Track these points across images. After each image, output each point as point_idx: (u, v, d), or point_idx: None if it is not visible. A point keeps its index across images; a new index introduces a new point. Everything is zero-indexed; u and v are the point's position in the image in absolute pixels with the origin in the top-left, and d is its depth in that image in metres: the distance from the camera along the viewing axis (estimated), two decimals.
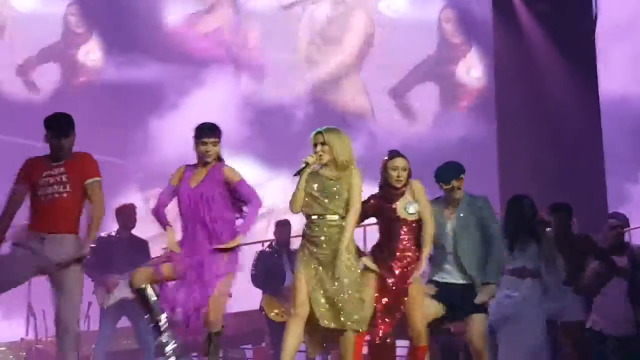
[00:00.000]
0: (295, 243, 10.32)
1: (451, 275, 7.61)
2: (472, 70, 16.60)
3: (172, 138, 14.29)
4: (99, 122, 14.21)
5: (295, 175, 7.04)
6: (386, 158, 7.36)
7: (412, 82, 16.50)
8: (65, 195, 6.92)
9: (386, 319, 7.28)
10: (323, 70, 16.53)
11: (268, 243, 10.93)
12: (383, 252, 7.33)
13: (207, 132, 7.16)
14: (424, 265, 7.32)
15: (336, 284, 6.87)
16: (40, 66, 15.81)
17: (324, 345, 7.16)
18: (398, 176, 7.27)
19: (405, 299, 7.21)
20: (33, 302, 11.34)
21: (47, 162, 7.02)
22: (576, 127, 14.08)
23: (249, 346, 11.91)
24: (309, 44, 16.46)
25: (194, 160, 7.28)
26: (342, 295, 6.87)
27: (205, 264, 7.00)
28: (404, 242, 7.28)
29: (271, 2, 16.50)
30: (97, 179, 7.00)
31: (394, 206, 7.28)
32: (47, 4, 15.88)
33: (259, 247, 11.08)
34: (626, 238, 10.20)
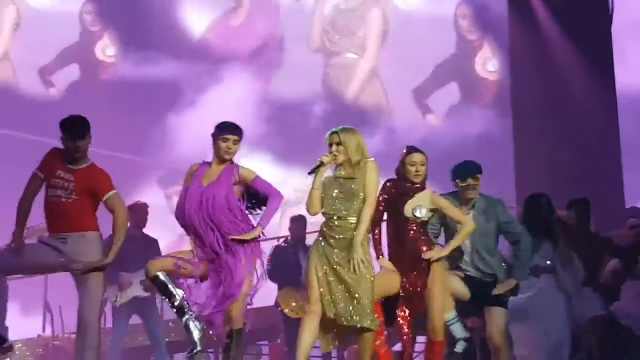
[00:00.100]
0: (311, 238, 10.37)
1: (472, 272, 7.62)
2: (489, 65, 16.55)
3: (190, 135, 14.31)
4: (117, 120, 14.23)
5: (310, 173, 7.01)
6: (404, 153, 7.34)
7: (431, 80, 16.46)
8: (70, 201, 6.99)
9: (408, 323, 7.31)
10: (339, 66, 16.51)
11: (283, 239, 10.95)
12: (396, 255, 7.29)
13: (230, 129, 7.13)
14: (446, 251, 7.30)
15: (351, 281, 6.85)
16: (59, 65, 15.85)
17: (336, 340, 7.14)
18: (417, 171, 7.25)
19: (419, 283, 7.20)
20: (50, 298, 11.38)
21: (63, 162, 7.07)
22: (593, 122, 14.01)
23: (265, 342, 11.92)
24: (324, 40, 16.44)
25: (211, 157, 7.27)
26: (357, 292, 6.86)
27: (226, 268, 6.99)
28: (415, 241, 7.25)
29: None
30: (114, 191, 7.07)
31: (403, 202, 7.23)
32: (63, 2, 15.91)
33: (273, 244, 11.08)
34: None
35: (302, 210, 10.16)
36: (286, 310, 10.39)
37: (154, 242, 10.29)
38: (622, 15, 14.90)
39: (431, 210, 7.23)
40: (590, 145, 13.87)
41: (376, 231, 7.24)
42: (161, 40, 15.84)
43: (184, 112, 15.33)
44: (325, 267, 6.92)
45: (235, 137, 7.12)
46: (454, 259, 7.59)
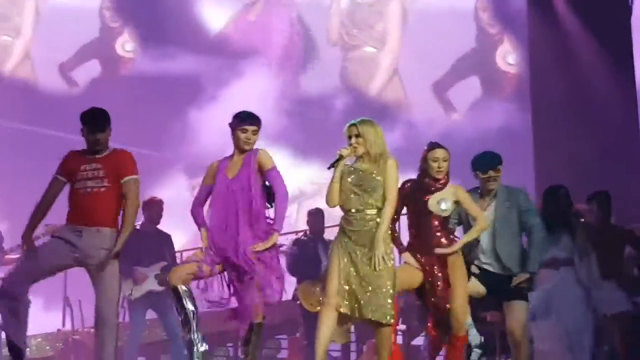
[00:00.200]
0: (329, 232, 10.37)
1: (490, 267, 7.59)
2: (509, 59, 16.50)
3: (210, 130, 14.33)
4: (137, 115, 14.29)
5: (329, 167, 6.98)
6: (426, 149, 7.31)
7: (452, 73, 16.42)
8: (103, 189, 6.95)
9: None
10: (358, 60, 16.49)
11: (302, 232, 10.94)
12: (418, 249, 7.28)
13: (248, 119, 7.08)
14: (458, 246, 7.25)
15: (372, 276, 6.84)
16: (79, 61, 15.90)
17: (348, 334, 7.13)
18: (439, 167, 7.21)
19: (439, 277, 7.19)
20: (69, 293, 11.40)
21: (85, 156, 7.05)
22: (613, 116, 13.96)
23: (284, 336, 11.92)
24: (342, 34, 16.43)
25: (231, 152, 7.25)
26: (376, 287, 6.85)
27: (252, 264, 6.99)
28: (437, 236, 7.24)
29: None
30: (134, 177, 7.00)
31: (426, 198, 7.22)
32: None
33: (292, 237, 11.09)
34: None
35: (319, 203, 10.18)
36: (305, 304, 10.36)
37: (167, 237, 10.32)
38: None
39: (455, 202, 7.22)
40: (609, 139, 13.82)
41: (395, 227, 7.22)
42: (180, 35, 15.88)
43: (205, 106, 15.36)
44: (346, 260, 6.90)
45: (254, 128, 7.07)
46: (470, 250, 7.57)
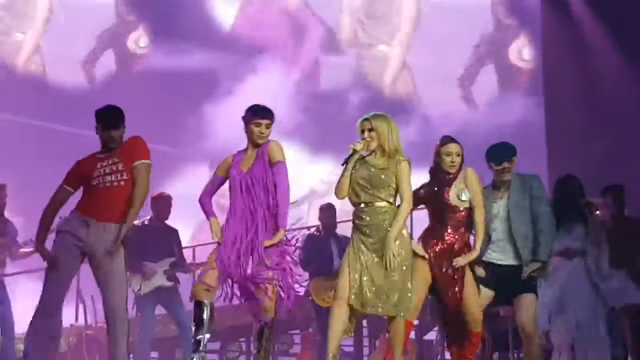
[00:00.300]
0: (341, 227, 10.37)
1: (503, 257, 7.60)
2: (525, 53, 16.44)
3: (228, 124, 14.32)
4: (151, 111, 14.30)
5: (343, 164, 6.99)
6: (439, 143, 7.32)
7: (466, 68, 16.38)
8: (122, 184, 6.92)
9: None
10: (373, 55, 16.46)
11: (314, 228, 10.94)
12: (433, 236, 7.29)
13: (261, 112, 7.05)
14: (476, 253, 7.28)
15: (384, 272, 6.83)
16: (92, 57, 15.91)
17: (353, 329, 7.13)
18: (452, 161, 7.24)
19: (456, 288, 7.17)
20: (82, 288, 11.42)
21: (97, 156, 7.02)
22: (626, 110, 13.92)
23: (297, 332, 11.92)
24: (356, 29, 16.40)
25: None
26: (390, 283, 6.83)
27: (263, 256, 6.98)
28: (453, 228, 7.24)
29: None
30: (145, 161, 6.96)
31: (445, 193, 7.23)
32: None
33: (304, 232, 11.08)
34: None
35: (330, 201, 10.17)
36: (317, 300, 10.36)
37: (175, 233, 10.34)
38: None
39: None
40: (623, 133, 13.76)
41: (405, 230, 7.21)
42: (194, 30, 15.86)
43: (220, 101, 15.34)
44: (359, 256, 6.89)
45: (267, 121, 7.04)
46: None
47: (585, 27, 14.52)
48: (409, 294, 6.91)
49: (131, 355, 8.46)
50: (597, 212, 8.91)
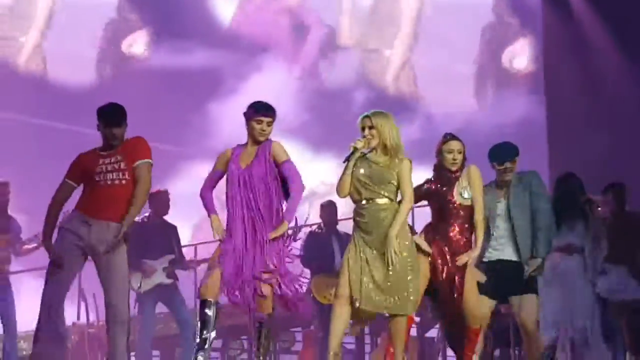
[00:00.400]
0: (343, 224, 10.37)
1: (503, 252, 7.61)
2: (527, 51, 16.44)
3: (232, 122, 14.35)
4: (155, 109, 14.33)
5: (344, 162, 6.99)
6: (441, 141, 7.33)
7: (469, 66, 16.39)
8: (124, 182, 6.91)
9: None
10: (375, 54, 16.46)
11: (316, 225, 10.95)
12: (436, 234, 7.31)
13: (263, 110, 7.03)
14: (477, 251, 7.31)
15: (386, 269, 6.83)
16: (95, 55, 15.91)
17: (362, 326, 7.14)
18: (454, 159, 7.25)
19: (456, 284, 7.19)
20: (84, 286, 11.43)
21: (99, 152, 7.01)
22: (627, 109, 13.93)
23: (298, 329, 11.93)
24: (359, 27, 16.41)
25: None
26: (393, 282, 6.83)
27: (261, 251, 6.98)
28: (457, 227, 7.26)
29: None
30: (147, 160, 6.94)
31: (448, 190, 7.25)
32: None
33: (305, 230, 11.08)
34: None
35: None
36: (318, 297, 10.39)
37: (174, 229, 10.33)
38: None
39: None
40: (624, 132, 13.77)
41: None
42: (196, 29, 15.87)
43: (224, 100, 15.35)
44: (360, 254, 6.89)
45: (269, 119, 7.02)
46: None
47: (586, 26, 14.54)
48: (416, 294, 6.92)
49: (132, 354, 8.46)
50: (599, 208, 8.93)
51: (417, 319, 10.30)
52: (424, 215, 7.70)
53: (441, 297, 7.28)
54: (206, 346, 6.99)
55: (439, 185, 7.31)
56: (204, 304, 6.99)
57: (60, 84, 15.60)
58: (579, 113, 14.18)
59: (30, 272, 11.90)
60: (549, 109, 14.87)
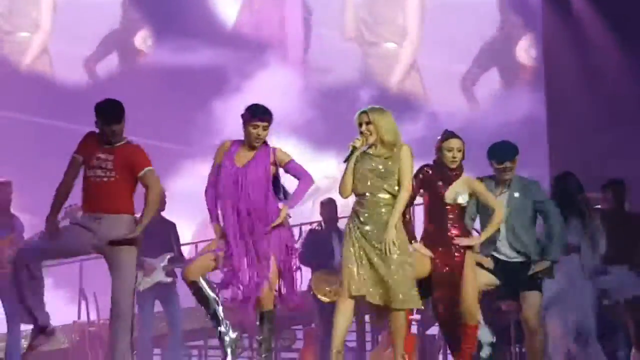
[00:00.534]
0: (343, 222, 10.37)
1: (506, 254, 7.61)
2: (531, 50, 16.43)
3: (237, 121, 14.32)
4: (160, 109, 14.32)
5: (344, 161, 7.01)
6: (440, 138, 7.34)
7: (473, 64, 16.37)
8: (112, 180, 6.95)
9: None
10: (380, 54, 16.45)
11: (316, 223, 10.96)
12: (433, 239, 7.31)
13: (260, 114, 7.05)
14: (479, 240, 7.33)
15: (384, 262, 6.84)
16: (99, 54, 15.90)
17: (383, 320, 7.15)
18: (453, 157, 7.26)
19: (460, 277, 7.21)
20: (85, 285, 11.44)
21: (101, 144, 7.03)
22: (629, 106, 13.92)
23: (299, 327, 11.94)
24: (361, 29, 16.38)
25: None
26: (389, 273, 6.84)
27: (258, 246, 6.99)
28: (453, 225, 7.26)
29: None
30: (149, 168, 7.00)
31: (443, 186, 7.26)
32: None
33: (305, 227, 11.10)
34: None
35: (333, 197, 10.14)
36: (318, 294, 10.40)
37: (173, 226, 10.32)
38: None
39: (469, 194, 7.26)
40: (626, 131, 13.75)
41: (407, 216, 7.22)
42: (200, 27, 15.84)
43: (228, 98, 15.33)
44: (359, 246, 6.91)
45: (265, 123, 7.05)
46: (490, 241, 7.58)
47: (586, 23, 14.52)
48: (410, 285, 6.92)
49: (134, 352, 8.48)
50: (598, 206, 8.93)
51: (417, 317, 10.31)
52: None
53: (440, 293, 7.28)
54: (220, 319, 7.08)
55: (436, 178, 7.30)
56: (193, 285, 7.04)
57: (65, 84, 15.57)
58: (579, 111, 14.18)
59: None
60: (549, 106, 14.86)
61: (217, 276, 7.17)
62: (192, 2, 16.14)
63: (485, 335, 7.65)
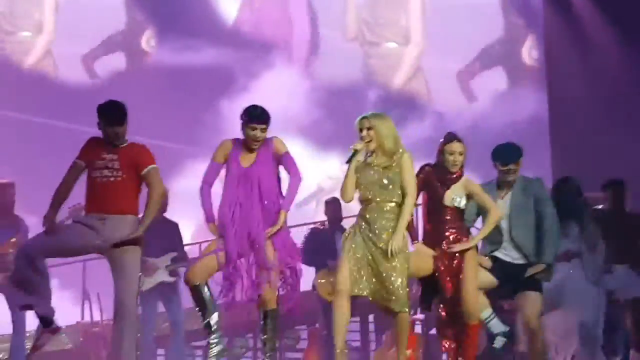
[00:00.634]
0: (347, 222, 10.37)
1: (507, 255, 7.60)
2: (534, 50, 16.43)
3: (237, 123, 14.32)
4: (165, 109, 14.33)
5: (346, 163, 7.02)
6: (443, 141, 7.36)
7: (478, 64, 16.38)
8: (119, 179, 6.97)
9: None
10: (383, 55, 16.45)
11: (319, 222, 10.96)
12: (432, 238, 7.32)
13: (258, 117, 7.05)
14: (472, 242, 7.32)
15: (388, 265, 6.86)
16: (103, 54, 15.90)
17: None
18: (454, 160, 7.29)
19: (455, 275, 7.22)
20: (88, 285, 11.44)
21: (105, 146, 7.05)
22: (631, 106, 13.92)
23: (304, 327, 11.94)
24: (363, 29, 16.38)
25: None
26: (392, 277, 6.86)
27: (262, 245, 7.00)
28: (452, 225, 7.28)
29: None
30: (153, 166, 7.03)
31: (442, 188, 7.28)
32: None
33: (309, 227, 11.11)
34: None
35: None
36: (322, 294, 10.40)
37: (175, 226, 10.30)
38: None
39: (467, 196, 7.26)
40: (628, 131, 13.76)
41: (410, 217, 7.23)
42: (206, 27, 15.85)
43: (234, 98, 15.33)
44: (365, 245, 6.92)
45: (263, 126, 7.05)
46: (493, 241, 7.58)
47: (587, 23, 14.53)
48: (406, 288, 6.94)
49: (138, 353, 8.48)
50: (599, 206, 8.93)
51: (421, 317, 10.31)
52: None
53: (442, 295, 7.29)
54: (213, 329, 7.06)
55: (435, 179, 7.31)
56: (195, 289, 7.03)
57: (68, 84, 15.58)
58: (581, 111, 14.18)
59: None
60: (552, 107, 14.86)
61: (218, 276, 7.17)
62: (199, 1, 16.15)
63: (496, 326, 7.61)
